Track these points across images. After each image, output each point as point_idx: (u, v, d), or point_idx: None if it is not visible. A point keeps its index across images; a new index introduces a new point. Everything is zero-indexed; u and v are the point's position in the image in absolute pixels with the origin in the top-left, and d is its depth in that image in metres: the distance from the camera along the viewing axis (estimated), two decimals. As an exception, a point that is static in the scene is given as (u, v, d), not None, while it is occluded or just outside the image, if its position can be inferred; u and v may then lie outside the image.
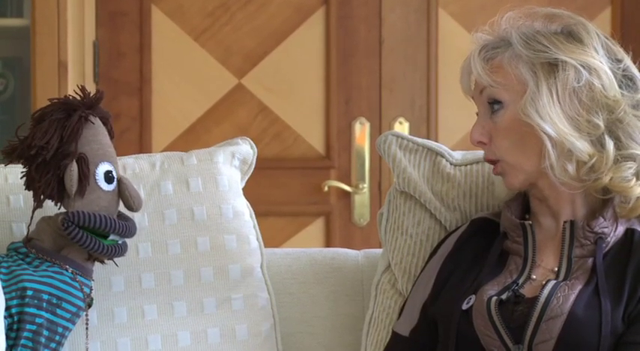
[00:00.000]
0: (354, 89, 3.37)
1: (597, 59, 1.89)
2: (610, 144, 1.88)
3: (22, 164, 1.97)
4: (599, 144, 1.88)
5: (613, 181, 1.88)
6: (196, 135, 3.36)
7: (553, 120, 1.87)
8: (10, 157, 1.96)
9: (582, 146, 1.87)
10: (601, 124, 1.88)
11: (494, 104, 1.92)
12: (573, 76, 1.88)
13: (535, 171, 1.92)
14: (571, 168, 1.88)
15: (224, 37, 3.37)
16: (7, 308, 1.92)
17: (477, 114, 1.97)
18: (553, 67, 1.89)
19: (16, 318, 1.93)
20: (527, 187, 1.96)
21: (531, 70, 1.89)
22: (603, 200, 1.93)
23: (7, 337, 1.92)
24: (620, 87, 1.90)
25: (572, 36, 1.91)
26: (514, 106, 1.90)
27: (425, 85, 3.38)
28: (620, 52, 1.94)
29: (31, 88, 3.24)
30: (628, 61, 1.94)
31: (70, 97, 1.99)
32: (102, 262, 2.03)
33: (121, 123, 3.34)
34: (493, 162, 1.95)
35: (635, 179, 1.89)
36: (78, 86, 2.02)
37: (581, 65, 1.88)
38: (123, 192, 1.99)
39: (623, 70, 1.92)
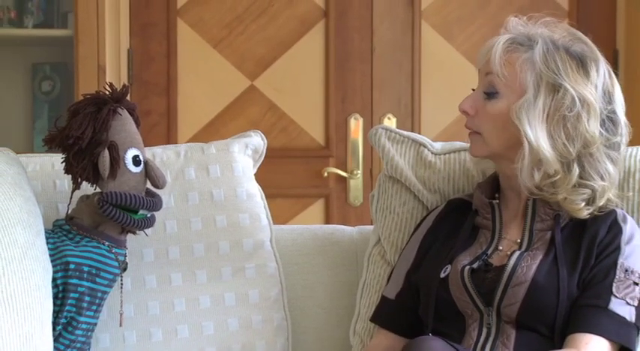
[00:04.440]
0: (349, 89, 3.36)
1: (593, 96, 1.84)
2: (575, 171, 1.85)
3: (61, 152, 1.96)
4: (566, 166, 1.85)
5: (566, 201, 1.87)
6: (215, 129, 3.35)
7: (537, 131, 1.84)
8: (50, 145, 1.95)
9: (553, 162, 1.84)
10: (573, 152, 1.84)
11: (490, 93, 1.89)
12: (568, 104, 1.83)
13: (498, 153, 1.90)
14: (537, 176, 1.86)
15: (239, 45, 3.36)
16: (53, 280, 1.92)
17: (473, 90, 1.94)
18: (555, 88, 1.84)
19: (61, 288, 1.93)
20: (488, 159, 1.95)
21: (537, 81, 1.85)
22: None
23: (54, 304, 1.92)
24: (601, 126, 1.85)
25: (583, 67, 1.86)
26: (507, 100, 1.87)
27: (409, 86, 3.37)
28: (615, 96, 1.88)
29: (74, 88, 3.23)
30: (618, 107, 1.88)
31: (101, 93, 1.98)
32: (134, 233, 2.02)
33: (151, 119, 3.33)
34: (471, 129, 1.93)
35: (583, 204, 1.87)
36: (107, 83, 2.00)
37: (579, 97, 1.83)
38: (149, 173, 1.98)
39: (610, 113, 1.87)
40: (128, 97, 2.01)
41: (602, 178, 1.87)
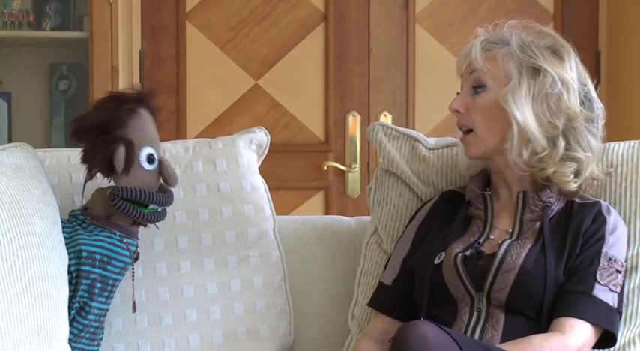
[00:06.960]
0: (347, 88, 3.36)
1: (570, 77, 1.88)
2: (561, 145, 1.87)
3: (79, 143, 1.94)
4: (552, 142, 1.87)
5: (555, 175, 1.88)
6: (222, 125, 3.34)
7: (524, 111, 1.86)
8: (75, 136, 1.94)
9: (540, 139, 1.86)
10: (560, 126, 1.86)
11: (478, 87, 1.90)
12: (550, 83, 1.87)
13: (494, 148, 1.91)
14: (525, 154, 1.87)
15: (244, 46, 3.35)
16: (67, 267, 1.90)
17: (458, 93, 1.95)
18: (536, 71, 1.87)
19: (74, 274, 1.92)
20: (483, 160, 1.94)
21: (518, 68, 1.88)
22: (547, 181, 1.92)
23: (68, 290, 1.90)
24: (581, 104, 1.88)
25: (556, 54, 1.90)
26: (495, 91, 1.89)
27: (404, 85, 3.36)
28: (587, 78, 1.92)
29: (89, 87, 3.22)
30: (590, 86, 1.92)
31: (126, 91, 1.98)
32: (145, 226, 2.01)
33: (162, 116, 3.24)
34: (463, 127, 1.93)
35: (572, 176, 1.89)
36: (132, 85, 1.99)
37: (558, 77, 1.87)
38: (162, 171, 1.97)
39: (586, 92, 1.90)
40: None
41: (585, 150, 1.89)
